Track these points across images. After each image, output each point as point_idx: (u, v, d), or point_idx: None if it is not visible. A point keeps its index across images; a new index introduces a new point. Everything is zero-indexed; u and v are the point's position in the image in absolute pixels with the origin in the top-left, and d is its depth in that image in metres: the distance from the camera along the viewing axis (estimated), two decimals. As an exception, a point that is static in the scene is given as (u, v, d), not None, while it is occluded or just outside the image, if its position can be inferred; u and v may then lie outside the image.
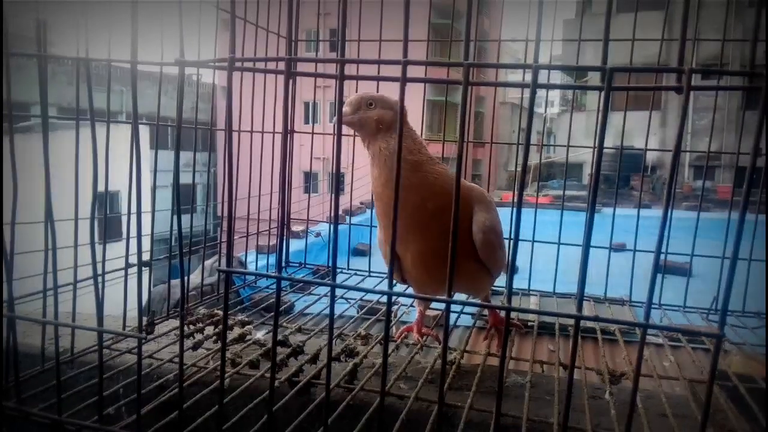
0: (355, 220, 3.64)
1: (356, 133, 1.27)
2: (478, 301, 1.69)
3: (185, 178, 1.51)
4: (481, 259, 1.27)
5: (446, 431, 1.07)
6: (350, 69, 0.76)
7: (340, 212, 3.90)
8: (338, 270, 2.07)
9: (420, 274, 1.30)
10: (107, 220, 1.33)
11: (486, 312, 2.12)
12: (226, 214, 1.00)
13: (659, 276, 1.57)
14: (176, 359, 1.23)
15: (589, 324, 1.58)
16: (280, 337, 1.42)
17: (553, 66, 0.70)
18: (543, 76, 0.56)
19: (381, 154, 1.24)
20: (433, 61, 0.72)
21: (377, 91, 1.70)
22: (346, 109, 1.25)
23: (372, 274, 2.12)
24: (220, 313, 1.57)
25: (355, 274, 2.12)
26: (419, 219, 1.20)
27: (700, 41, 1.82)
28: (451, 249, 0.68)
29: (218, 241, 2.21)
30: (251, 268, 3.16)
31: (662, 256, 1.58)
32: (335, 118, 0.70)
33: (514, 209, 0.65)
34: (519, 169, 1.84)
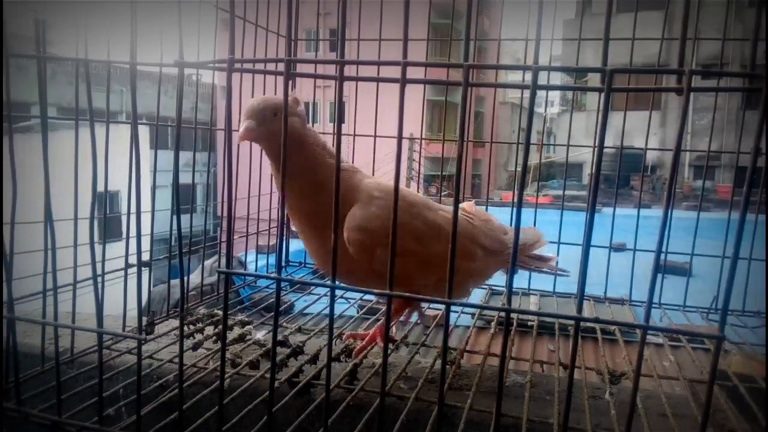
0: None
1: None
2: (478, 302, 1.69)
3: (185, 178, 1.51)
4: (357, 262, 1.18)
5: (446, 431, 1.07)
6: (350, 70, 0.76)
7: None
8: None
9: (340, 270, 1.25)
10: (107, 220, 1.33)
11: (485, 313, 2.12)
12: (225, 214, 1.00)
13: (659, 276, 1.57)
14: (176, 359, 1.23)
15: (590, 324, 1.58)
16: (280, 338, 1.42)
17: (553, 67, 0.70)
18: (543, 77, 0.56)
19: (298, 170, 1.17)
20: (433, 63, 0.72)
21: (377, 92, 1.70)
22: (249, 122, 1.12)
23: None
24: (220, 313, 1.57)
25: (355, 274, 2.12)
26: (316, 223, 1.20)
27: (701, 41, 1.82)
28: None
29: (218, 241, 2.21)
30: (251, 268, 3.16)
31: (662, 256, 1.58)
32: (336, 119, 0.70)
33: (515, 209, 0.65)
34: (519, 168, 1.84)
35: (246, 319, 1.59)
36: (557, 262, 1.65)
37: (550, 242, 1.95)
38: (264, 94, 1.80)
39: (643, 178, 2.90)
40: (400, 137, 0.64)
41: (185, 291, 0.92)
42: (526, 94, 0.59)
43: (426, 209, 1.28)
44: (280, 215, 0.87)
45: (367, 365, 1.32)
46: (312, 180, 1.18)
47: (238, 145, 1.19)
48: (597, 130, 1.53)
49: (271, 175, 1.29)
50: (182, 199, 1.24)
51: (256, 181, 1.85)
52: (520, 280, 1.90)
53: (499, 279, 2.16)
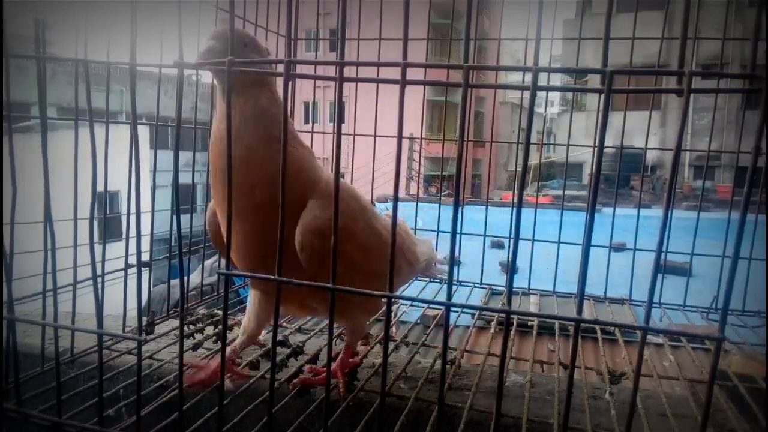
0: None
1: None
2: (478, 303, 1.68)
3: (185, 178, 1.51)
4: (308, 272, 0.99)
5: (446, 431, 1.07)
6: (350, 71, 0.76)
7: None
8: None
9: (246, 264, 1.07)
10: (107, 221, 1.33)
11: (485, 313, 2.12)
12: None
13: (659, 275, 1.57)
14: (176, 360, 1.23)
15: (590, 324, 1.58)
16: (279, 338, 1.42)
17: (553, 69, 0.70)
18: (543, 78, 0.56)
19: (244, 119, 0.98)
20: (433, 64, 0.72)
21: (376, 92, 1.70)
22: (212, 43, 0.96)
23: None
24: (220, 313, 1.57)
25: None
26: (247, 206, 0.98)
27: (701, 41, 1.82)
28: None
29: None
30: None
31: (662, 256, 1.58)
32: (335, 119, 0.70)
33: (515, 209, 0.65)
34: (519, 168, 1.84)
35: (246, 319, 1.59)
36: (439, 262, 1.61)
37: (551, 242, 1.96)
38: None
39: (643, 178, 2.90)
40: (399, 138, 0.64)
41: (185, 291, 0.92)
42: (526, 94, 0.59)
43: (373, 217, 1.15)
44: (280, 216, 0.86)
45: (367, 365, 1.32)
46: (267, 152, 0.98)
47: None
48: (597, 130, 1.53)
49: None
50: (182, 199, 1.24)
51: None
52: (520, 280, 1.91)
53: (499, 278, 2.17)
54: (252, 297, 1.22)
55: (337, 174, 0.70)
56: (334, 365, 1.17)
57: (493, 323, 1.66)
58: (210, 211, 1.16)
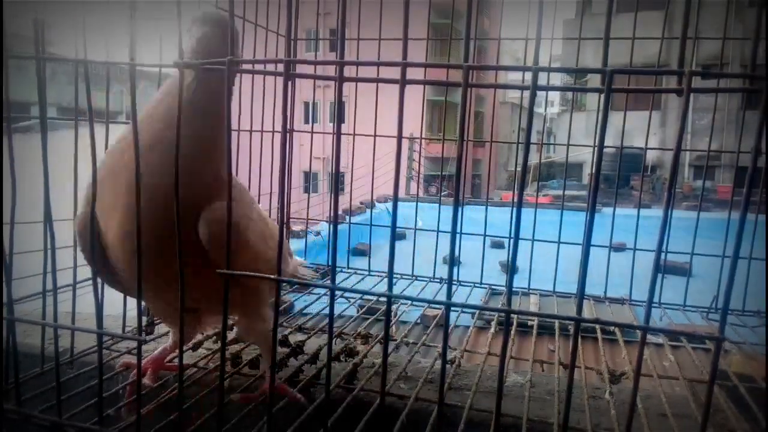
0: (354, 219, 3.65)
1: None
2: (478, 303, 1.68)
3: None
4: (214, 263, 0.90)
5: (446, 431, 1.07)
6: (350, 70, 0.76)
7: (340, 212, 3.90)
8: (338, 269, 2.07)
9: (130, 265, 0.95)
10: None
11: (485, 313, 2.12)
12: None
13: (659, 275, 1.57)
14: (176, 359, 1.23)
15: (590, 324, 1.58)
16: (279, 337, 1.41)
17: (553, 68, 0.70)
18: (543, 77, 0.56)
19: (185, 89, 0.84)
20: (433, 64, 0.72)
21: (376, 92, 1.70)
22: (206, 30, 0.92)
23: (372, 273, 2.11)
24: (220, 313, 1.57)
25: (355, 273, 2.12)
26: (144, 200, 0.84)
27: (701, 41, 1.82)
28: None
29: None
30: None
31: (662, 256, 1.58)
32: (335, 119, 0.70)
33: (515, 209, 0.65)
34: (519, 168, 1.84)
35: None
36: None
37: (551, 242, 1.96)
38: (264, 94, 1.81)
39: (643, 177, 2.90)
40: (399, 138, 0.64)
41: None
42: (526, 94, 0.59)
43: (258, 208, 1.18)
44: (279, 216, 0.86)
45: (367, 365, 1.32)
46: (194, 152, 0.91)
47: (238, 145, 1.19)
48: (597, 130, 1.53)
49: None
50: (182, 199, 1.24)
51: (256, 180, 1.85)
52: (520, 280, 1.91)
53: (499, 278, 2.17)
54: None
55: (337, 174, 0.69)
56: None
57: (493, 323, 1.66)
58: (82, 218, 0.98)
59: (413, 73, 0.63)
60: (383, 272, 2.02)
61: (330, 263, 2.13)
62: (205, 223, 0.94)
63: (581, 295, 0.62)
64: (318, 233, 3.33)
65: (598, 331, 1.58)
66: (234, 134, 1.26)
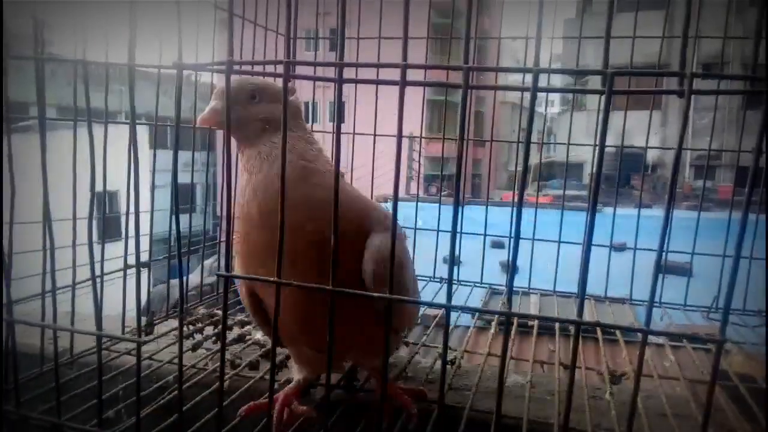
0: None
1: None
2: (479, 303, 1.67)
3: (184, 178, 1.51)
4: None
5: (446, 431, 1.07)
6: (349, 71, 0.76)
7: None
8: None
9: (295, 328, 0.99)
10: (106, 220, 1.33)
11: (488, 314, 2.12)
12: (225, 214, 0.98)
13: (660, 275, 1.57)
14: (176, 360, 1.23)
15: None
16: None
17: (554, 70, 0.70)
18: (543, 78, 0.56)
19: (263, 160, 0.93)
20: (433, 65, 0.72)
21: (376, 92, 1.70)
22: (215, 103, 0.94)
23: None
24: (220, 313, 1.57)
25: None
26: (294, 248, 0.85)
27: (701, 41, 1.82)
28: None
29: (218, 241, 2.20)
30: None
31: (663, 256, 1.58)
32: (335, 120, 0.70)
33: (515, 209, 0.64)
34: (519, 168, 1.84)
35: (246, 319, 1.59)
36: None
37: (551, 242, 1.95)
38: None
39: (643, 177, 2.90)
40: (399, 138, 0.63)
41: (185, 291, 0.92)
42: (527, 94, 0.59)
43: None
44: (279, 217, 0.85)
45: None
46: (301, 193, 0.91)
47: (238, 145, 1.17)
48: (597, 131, 1.53)
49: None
50: (181, 198, 1.24)
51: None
52: (521, 279, 1.90)
53: (499, 278, 2.16)
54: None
55: (337, 174, 0.69)
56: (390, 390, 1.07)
57: (493, 323, 1.66)
58: (246, 290, 1.04)
59: (413, 74, 0.63)
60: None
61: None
62: (369, 258, 0.92)
63: (582, 297, 0.62)
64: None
65: (599, 331, 1.58)
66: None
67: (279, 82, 0.69)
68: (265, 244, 0.91)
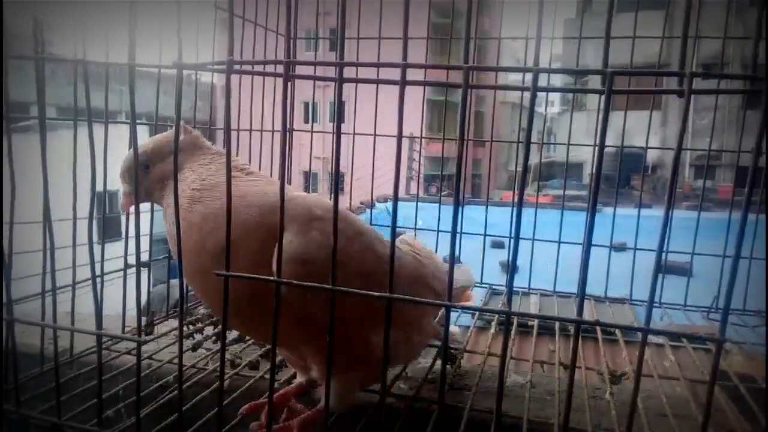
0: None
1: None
2: (477, 305, 1.66)
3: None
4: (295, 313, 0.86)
5: (446, 431, 1.07)
6: (349, 71, 0.76)
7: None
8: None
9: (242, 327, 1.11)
10: (106, 220, 1.33)
11: (487, 314, 2.12)
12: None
13: (660, 275, 1.57)
14: (176, 360, 1.23)
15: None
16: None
17: (553, 69, 0.70)
18: (543, 78, 0.56)
19: (169, 209, 0.96)
20: (433, 65, 0.72)
21: (376, 92, 1.70)
22: (124, 187, 1.04)
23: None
24: (220, 313, 1.57)
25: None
26: (201, 268, 0.90)
27: (701, 41, 1.82)
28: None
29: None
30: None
31: (663, 256, 1.58)
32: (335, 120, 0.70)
33: (515, 209, 0.64)
34: (519, 168, 1.84)
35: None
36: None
37: (551, 242, 1.95)
38: (263, 94, 1.81)
39: (643, 177, 2.90)
40: (399, 138, 0.63)
41: (185, 291, 0.92)
42: (527, 94, 0.59)
43: (378, 241, 1.00)
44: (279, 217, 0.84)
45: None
46: (198, 213, 0.94)
47: (237, 145, 1.18)
48: (597, 131, 1.53)
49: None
50: (182, 199, 1.24)
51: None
52: (521, 279, 1.90)
53: (499, 278, 2.16)
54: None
55: (337, 174, 0.69)
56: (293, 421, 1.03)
57: (493, 323, 1.66)
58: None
59: (413, 74, 0.63)
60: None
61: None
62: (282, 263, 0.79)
63: (582, 297, 0.62)
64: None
65: (599, 331, 1.58)
66: (234, 134, 1.26)
67: (279, 81, 0.69)
68: (196, 275, 0.95)
